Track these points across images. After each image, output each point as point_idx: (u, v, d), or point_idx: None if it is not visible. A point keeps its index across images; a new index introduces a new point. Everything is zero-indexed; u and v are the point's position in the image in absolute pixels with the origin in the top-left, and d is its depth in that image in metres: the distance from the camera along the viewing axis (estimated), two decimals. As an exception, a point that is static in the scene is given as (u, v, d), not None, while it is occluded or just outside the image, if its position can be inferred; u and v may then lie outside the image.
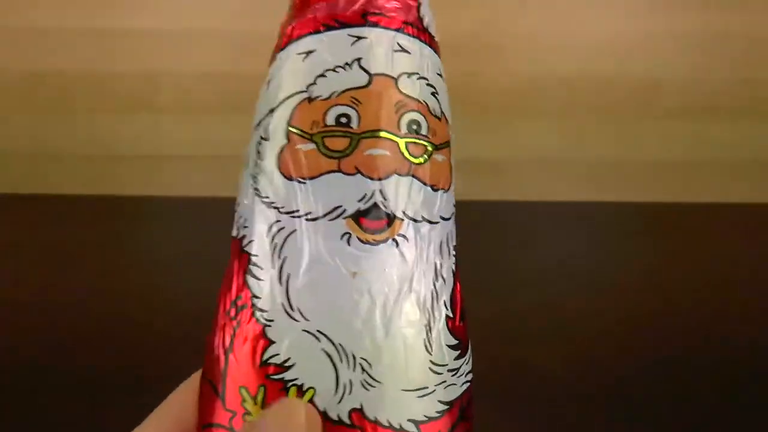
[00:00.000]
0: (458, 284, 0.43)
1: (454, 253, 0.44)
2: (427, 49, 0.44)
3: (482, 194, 0.74)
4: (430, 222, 0.42)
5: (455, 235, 0.45)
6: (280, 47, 0.44)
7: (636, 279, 0.56)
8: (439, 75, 0.44)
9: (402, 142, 0.42)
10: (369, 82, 0.42)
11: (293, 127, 0.41)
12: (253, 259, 0.41)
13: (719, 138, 0.73)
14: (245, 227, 0.42)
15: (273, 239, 0.41)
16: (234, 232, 0.43)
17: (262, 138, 0.43)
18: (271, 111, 0.43)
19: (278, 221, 0.41)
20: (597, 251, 0.57)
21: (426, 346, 0.40)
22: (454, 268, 0.43)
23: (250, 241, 0.42)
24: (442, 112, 0.44)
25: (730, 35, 0.69)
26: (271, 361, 0.38)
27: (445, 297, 0.42)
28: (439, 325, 0.41)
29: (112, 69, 0.74)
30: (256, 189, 0.42)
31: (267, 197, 0.41)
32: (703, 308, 0.49)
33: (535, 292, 0.54)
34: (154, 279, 0.53)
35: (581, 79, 0.71)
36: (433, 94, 0.43)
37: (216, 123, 0.76)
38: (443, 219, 0.43)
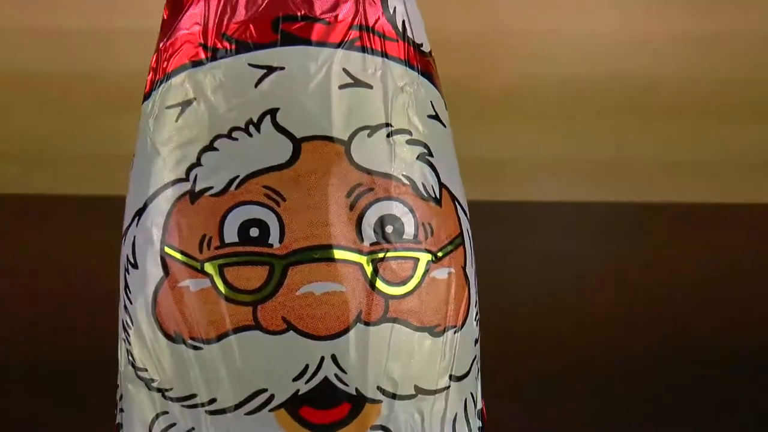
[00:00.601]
0: None
1: (479, 423, 0.26)
2: (406, 71, 0.24)
3: (482, 194, 0.72)
4: (433, 392, 0.24)
5: (479, 389, 0.26)
6: (146, 91, 0.25)
7: (635, 279, 0.54)
8: (434, 117, 0.24)
9: (368, 263, 0.23)
10: (295, 156, 0.23)
11: (170, 247, 0.23)
12: (134, 473, 0.24)
13: (718, 138, 0.70)
14: (121, 411, 0.25)
15: None
16: (117, 413, 0.26)
17: (129, 262, 0.25)
18: (137, 215, 0.24)
19: (165, 413, 0.24)
20: (596, 251, 0.58)
21: None
22: None
23: (128, 439, 0.25)
24: (441, 186, 0.24)
25: (728, 35, 0.69)
26: None
27: None
28: None
29: (112, 69, 0.72)
30: (129, 351, 0.25)
31: (144, 369, 0.24)
32: (702, 308, 0.50)
33: (533, 293, 0.53)
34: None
35: (580, 80, 0.70)
36: (423, 157, 0.24)
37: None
38: (456, 379, 0.24)
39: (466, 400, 0.24)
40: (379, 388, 0.23)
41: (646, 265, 0.56)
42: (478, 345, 0.26)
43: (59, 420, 0.37)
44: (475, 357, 0.25)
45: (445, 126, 0.24)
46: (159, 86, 0.24)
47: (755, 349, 0.44)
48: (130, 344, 0.24)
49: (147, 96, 0.24)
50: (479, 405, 0.26)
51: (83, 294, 0.51)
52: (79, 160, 0.73)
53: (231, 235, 0.22)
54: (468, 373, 0.25)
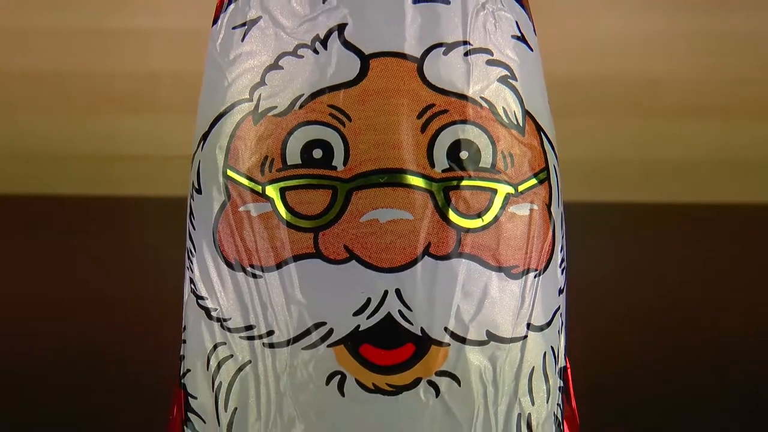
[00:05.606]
0: None
1: (560, 383, 0.23)
2: None
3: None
4: (508, 340, 0.22)
5: (563, 345, 0.24)
6: (215, 17, 0.24)
7: (634, 279, 0.55)
8: (519, 38, 0.22)
9: (439, 191, 0.21)
10: (362, 74, 0.21)
11: (232, 170, 0.22)
12: (192, 403, 0.24)
13: (717, 138, 0.71)
14: (183, 342, 0.25)
15: (216, 375, 0.23)
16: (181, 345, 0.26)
17: (193, 187, 0.24)
18: (203, 139, 0.24)
19: (223, 343, 0.23)
20: (595, 251, 0.56)
21: None
22: (559, 412, 0.23)
23: (188, 371, 0.24)
24: (525, 114, 0.22)
25: (729, 35, 0.69)
26: None
27: None
28: None
29: (112, 69, 0.72)
30: (191, 280, 0.24)
31: (203, 297, 0.23)
32: (701, 308, 0.50)
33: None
34: (153, 280, 0.51)
35: (580, 80, 0.69)
36: (504, 79, 0.22)
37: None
38: (536, 329, 0.22)
39: (545, 354, 0.22)
40: (446, 330, 0.21)
41: (646, 265, 0.56)
42: (563, 296, 0.23)
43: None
44: (559, 308, 0.23)
45: (532, 50, 0.22)
46: (227, 8, 0.23)
47: (756, 349, 0.44)
48: (192, 272, 0.23)
49: (215, 20, 0.23)
50: (562, 363, 0.23)
51: (83, 293, 0.52)
52: (79, 160, 0.73)
53: (293, 156, 0.21)
54: (549, 323, 0.22)
